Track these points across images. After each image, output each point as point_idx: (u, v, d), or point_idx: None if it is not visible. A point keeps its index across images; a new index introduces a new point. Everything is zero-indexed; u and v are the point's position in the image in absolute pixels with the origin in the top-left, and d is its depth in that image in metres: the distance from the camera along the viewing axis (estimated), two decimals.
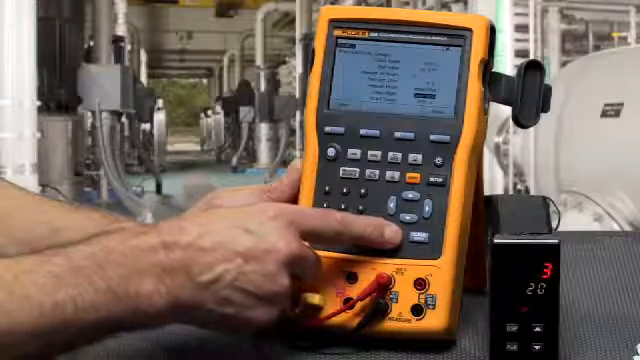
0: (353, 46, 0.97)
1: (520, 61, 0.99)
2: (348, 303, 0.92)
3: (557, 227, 0.96)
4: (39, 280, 0.76)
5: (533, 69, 0.96)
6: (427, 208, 0.93)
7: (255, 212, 0.86)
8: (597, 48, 10.44)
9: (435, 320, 0.91)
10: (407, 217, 0.93)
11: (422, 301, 0.91)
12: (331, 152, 0.95)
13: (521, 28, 9.10)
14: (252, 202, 0.97)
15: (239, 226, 0.84)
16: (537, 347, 0.87)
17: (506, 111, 0.97)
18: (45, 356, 0.77)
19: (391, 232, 0.91)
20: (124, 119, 13.87)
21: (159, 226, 0.83)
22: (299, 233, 0.86)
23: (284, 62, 22.35)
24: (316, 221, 0.88)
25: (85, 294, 0.77)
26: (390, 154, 0.94)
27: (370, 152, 0.95)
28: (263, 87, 19.79)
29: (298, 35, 17.66)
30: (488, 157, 7.61)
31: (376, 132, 0.95)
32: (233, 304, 0.82)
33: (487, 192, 1.00)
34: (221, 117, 24.51)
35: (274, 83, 20.22)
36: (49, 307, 0.75)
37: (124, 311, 0.78)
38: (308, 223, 0.87)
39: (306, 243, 0.87)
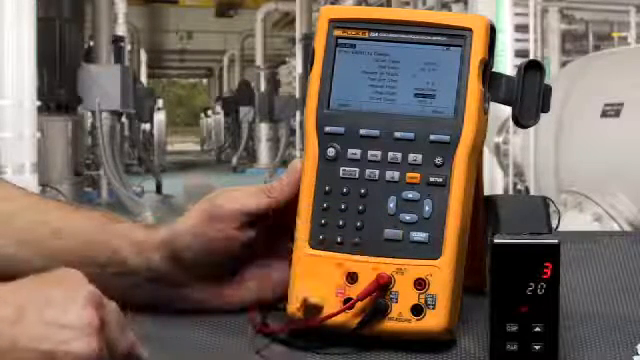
0: (353, 46, 0.97)
1: (520, 61, 0.99)
2: (348, 303, 0.92)
3: (557, 227, 0.96)
4: None
5: (533, 69, 0.96)
6: (427, 208, 0.93)
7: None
8: (597, 48, 10.44)
9: (435, 320, 0.91)
10: (407, 217, 0.93)
11: (422, 301, 0.91)
12: (331, 152, 0.95)
13: (521, 28, 9.10)
14: (252, 202, 0.97)
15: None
16: (537, 347, 0.87)
17: (506, 111, 0.97)
18: None
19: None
20: (124, 119, 13.88)
21: None
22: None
23: (284, 62, 22.34)
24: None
25: None
26: (390, 154, 0.94)
27: (370, 152, 0.95)
28: (263, 87, 19.81)
29: (298, 35, 17.65)
30: (488, 157, 7.61)
31: (376, 132, 0.95)
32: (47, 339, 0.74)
33: (487, 192, 1.00)
34: (221, 117, 24.51)
35: (274, 83, 20.24)
36: None
37: None
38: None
39: None
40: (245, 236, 0.97)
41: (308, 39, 16.34)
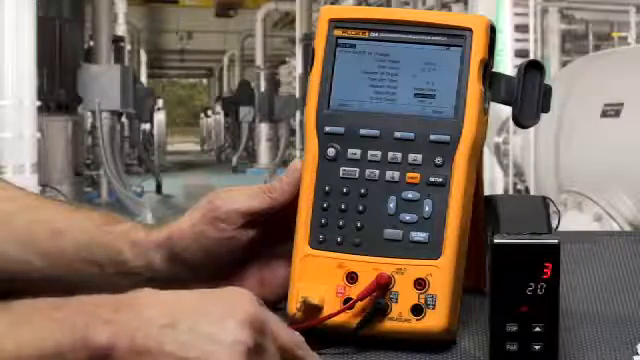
0: (353, 46, 0.97)
1: (520, 61, 0.99)
2: (348, 303, 0.92)
3: (557, 227, 0.96)
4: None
5: (533, 69, 0.97)
6: (427, 208, 0.93)
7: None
8: (597, 48, 10.43)
9: (435, 320, 0.91)
10: (407, 217, 0.93)
11: (422, 301, 0.91)
12: (331, 152, 0.95)
13: (521, 28, 9.10)
14: (252, 203, 0.97)
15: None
16: (537, 347, 0.87)
17: (506, 111, 0.97)
18: None
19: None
20: (124, 119, 13.87)
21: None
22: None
23: (284, 62, 22.35)
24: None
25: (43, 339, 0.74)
26: (390, 154, 0.94)
27: (370, 152, 0.95)
28: (263, 87, 19.80)
29: (298, 35, 17.66)
30: (488, 157, 7.61)
31: (376, 132, 0.95)
32: (194, 348, 0.74)
33: (487, 192, 1.00)
34: (221, 117, 24.51)
35: (274, 83, 20.25)
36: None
37: None
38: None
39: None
40: (245, 236, 0.97)
41: (308, 39, 16.35)
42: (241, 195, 0.98)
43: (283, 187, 0.97)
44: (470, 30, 0.95)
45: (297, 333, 0.82)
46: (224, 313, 0.75)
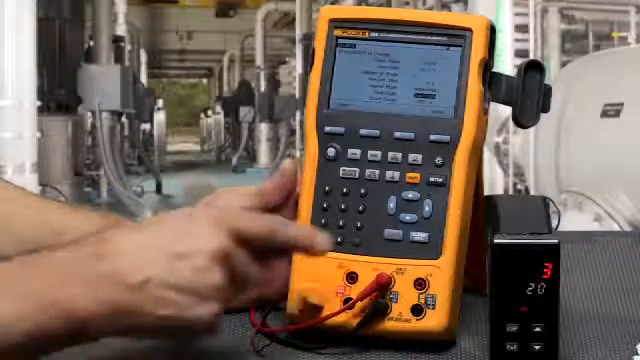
0: (353, 46, 0.97)
1: (520, 61, 0.99)
2: (348, 303, 0.92)
3: (557, 227, 0.96)
4: None
5: (533, 69, 0.97)
6: (427, 208, 0.93)
7: (180, 214, 0.85)
8: (597, 48, 10.43)
9: (435, 320, 0.91)
10: (407, 217, 0.93)
11: (422, 301, 0.91)
12: (331, 152, 0.95)
13: (521, 28, 9.10)
14: (246, 205, 0.97)
15: (164, 229, 0.83)
16: (537, 347, 0.87)
17: (506, 111, 0.97)
18: None
19: (322, 239, 0.88)
20: (124, 119, 13.87)
21: (83, 240, 0.82)
22: (228, 232, 0.84)
23: (284, 62, 22.34)
24: (246, 222, 0.86)
25: (10, 306, 0.77)
26: (390, 154, 0.94)
27: (370, 152, 0.95)
28: (263, 87, 19.80)
29: (298, 35, 17.65)
30: (488, 157, 7.61)
31: (376, 132, 0.95)
32: (170, 304, 0.80)
33: (487, 192, 1.00)
34: (221, 117, 24.50)
35: (274, 83, 20.23)
36: None
37: (54, 320, 0.77)
38: (237, 223, 0.85)
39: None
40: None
41: (308, 39, 16.34)
42: (237, 197, 0.98)
43: (273, 188, 0.98)
44: (470, 30, 0.95)
45: (277, 217, 0.89)
46: (191, 250, 0.81)
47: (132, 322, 0.80)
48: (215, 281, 0.81)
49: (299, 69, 17.31)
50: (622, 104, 5.74)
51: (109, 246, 0.81)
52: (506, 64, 7.63)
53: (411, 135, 0.94)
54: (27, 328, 0.77)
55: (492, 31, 0.96)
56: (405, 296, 0.91)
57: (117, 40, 13.27)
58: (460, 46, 0.95)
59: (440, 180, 0.93)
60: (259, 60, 21.34)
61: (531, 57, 6.87)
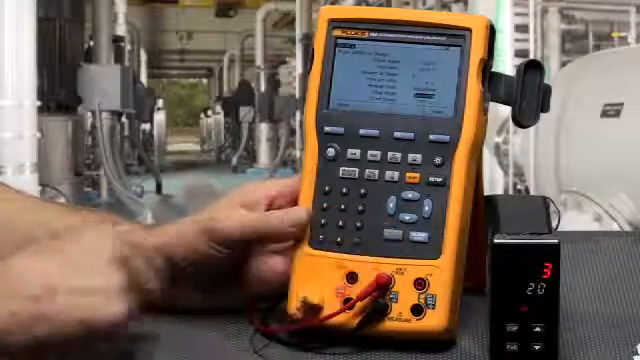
0: (353, 46, 0.97)
1: (520, 61, 0.99)
2: (348, 303, 0.92)
3: (557, 227, 0.96)
4: None
5: (533, 69, 0.97)
6: (427, 208, 0.93)
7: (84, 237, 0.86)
8: (597, 48, 10.43)
9: (435, 320, 0.91)
10: (407, 217, 0.93)
11: (422, 301, 0.91)
12: (331, 152, 0.95)
13: (521, 28, 9.10)
14: (252, 226, 0.96)
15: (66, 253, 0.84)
16: (537, 347, 0.87)
17: (506, 111, 0.97)
18: None
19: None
20: (124, 119, 13.87)
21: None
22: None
23: (284, 62, 22.34)
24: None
25: None
26: (390, 154, 0.94)
27: (370, 152, 0.95)
28: (263, 87, 19.80)
29: (298, 35, 17.65)
30: (488, 157, 7.61)
31: (376, 132, 0.95)
32: (81, 307, 0.80)
33: (487, 192, 1.00)
34: (221, 117, 24.50)
35: (274, 83, 20.23)
36: None
37: None
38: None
39: None
40: (241, 246, 0.96)
41: (308, 39, 16.35)
42: (244, 215, 0.96)
43: (284, 223, 0.95)
44: (470, 30, 0.95)
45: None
46: (89, 263, 0.83)
47: (51, 331, 0.80)
48: (116, 281, 0.82)
49: (299, 69, 17.32)
50: (622, 104, 5.74)
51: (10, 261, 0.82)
52: (506, 64, 7.63)
53: (411, 135, 0.94)
54: None
55: (492, 31, 0.96)
56: (405, 296, 0.91)
57: (117, 40, 13.26)
58: (460, 46, 0.95)
59: (440, 180, 0.93)
60: (259, 60, 21.34)
61: (531, 57, 6.87)
